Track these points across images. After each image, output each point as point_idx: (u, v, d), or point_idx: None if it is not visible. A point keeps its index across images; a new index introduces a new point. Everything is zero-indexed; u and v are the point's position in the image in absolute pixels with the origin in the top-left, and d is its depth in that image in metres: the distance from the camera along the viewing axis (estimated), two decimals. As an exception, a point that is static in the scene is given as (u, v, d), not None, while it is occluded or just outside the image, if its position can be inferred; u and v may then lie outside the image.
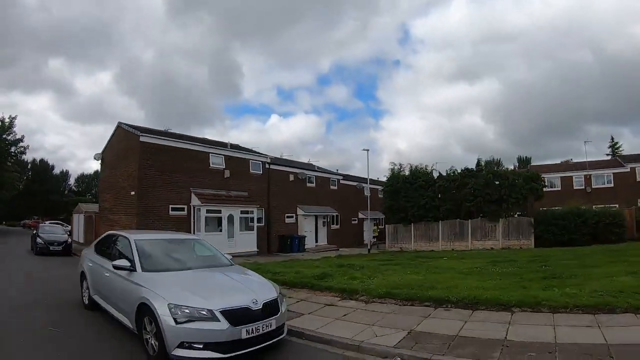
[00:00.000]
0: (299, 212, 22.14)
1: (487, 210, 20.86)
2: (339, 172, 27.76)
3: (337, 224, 26.17)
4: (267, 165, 20.53)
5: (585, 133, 62.07)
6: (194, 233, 16.21)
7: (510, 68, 76.59)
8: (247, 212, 17.81)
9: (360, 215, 29.01)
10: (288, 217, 21.74)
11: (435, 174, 23.03)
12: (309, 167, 24.73)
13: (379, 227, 32.05)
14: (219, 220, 16.57)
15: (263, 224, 20.02)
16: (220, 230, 16.50)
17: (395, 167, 24.07)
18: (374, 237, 27.26)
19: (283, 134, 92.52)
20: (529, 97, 66.59)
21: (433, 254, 18.02)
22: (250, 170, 19.67)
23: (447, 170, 22.59)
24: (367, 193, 29.08)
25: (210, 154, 17.86)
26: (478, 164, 21.91)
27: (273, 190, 20.80)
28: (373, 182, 29.80)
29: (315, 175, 24.29)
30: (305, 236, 21.49)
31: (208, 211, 16.03)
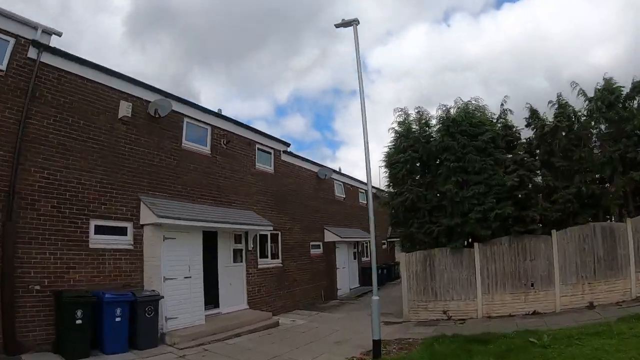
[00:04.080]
0: (147, 218, 8.67)
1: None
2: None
3: (272, 256, 12.98)
4: (21, 54, 7.17)
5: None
6: None
7: (468, 95, 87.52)
8: None
9: (330, 237, 16.02)
10: (103, 229, 8.23)
11: (512, 119, 11.41)
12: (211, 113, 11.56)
13: (362, 257, 19.41)
14: None
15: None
16: None
17: (412, 116, 11.99)
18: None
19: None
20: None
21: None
22: None
23: (557, 99, 10.97)
24: (344, 188, 16.69)
25: None
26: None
27: (35, 145, 7.30)
28: (347, 177, 17.38)
29: (213, 127, 11.28)
30: (161, 296, 8.15)
31: None
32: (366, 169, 8.37)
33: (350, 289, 17.30)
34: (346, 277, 17.06)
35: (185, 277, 9.04)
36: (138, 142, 9.17)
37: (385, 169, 11.86)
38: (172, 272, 8.76)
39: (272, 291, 12.38)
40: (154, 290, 8.15)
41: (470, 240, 10.38)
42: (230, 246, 11.06)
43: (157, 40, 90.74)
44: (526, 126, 11.72)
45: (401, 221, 11.06)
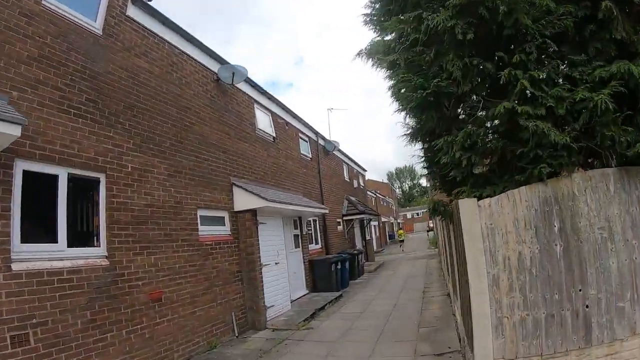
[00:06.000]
0: None
1: None
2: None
3: (76, 238, 5.19)
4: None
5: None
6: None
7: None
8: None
9: (246, 201, 8.58)
10: None
11: None
12: None
13: (308, 244, 12.39)
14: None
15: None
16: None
17: None
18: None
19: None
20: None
21: None
22: None
23: None
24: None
25: None
26: None
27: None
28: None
29: None
30: None
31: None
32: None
33: (293, 302, 10.05)
34: (283, 280, 9.72)
35: None
36: None
37: None
38: None
39: (73, 337, 4.75)
40: None
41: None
42: None
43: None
44: None
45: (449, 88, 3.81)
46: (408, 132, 5.60)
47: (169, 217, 6.57)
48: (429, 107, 3.75)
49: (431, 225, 59.56)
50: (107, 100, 5.92)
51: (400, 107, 4.22)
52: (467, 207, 3.42)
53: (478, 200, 3.44)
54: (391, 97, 5.31)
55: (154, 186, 6.38)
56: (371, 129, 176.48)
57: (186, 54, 8.05)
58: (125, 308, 5.57)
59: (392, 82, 4.89)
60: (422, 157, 5.81)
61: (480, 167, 3.78)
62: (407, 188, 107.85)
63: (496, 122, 3.54)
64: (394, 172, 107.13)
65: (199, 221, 7.27)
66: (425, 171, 5.90)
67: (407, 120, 5.82)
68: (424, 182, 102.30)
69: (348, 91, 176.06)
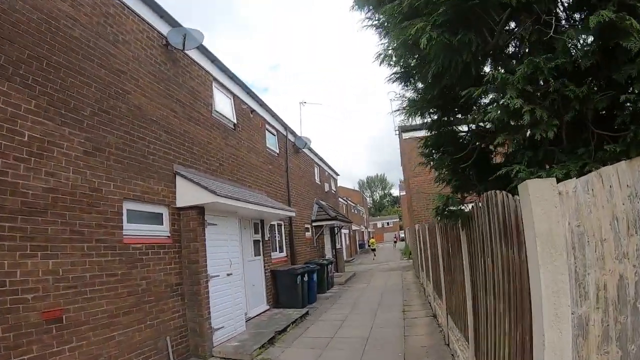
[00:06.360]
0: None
1: None
2: None
3: None
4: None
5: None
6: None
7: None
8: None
9: (193, 195, 7.07)
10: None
11: None
12: None
13: (271, 251, 10.93)
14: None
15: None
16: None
17: None
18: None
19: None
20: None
21: None
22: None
23: None
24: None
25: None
26: None
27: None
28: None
29: None
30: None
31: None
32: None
33: (250, 320, 8.55)
34: (236, 295, 8.19)
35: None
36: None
37: None
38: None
39: None
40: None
41: None
42: None
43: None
44: None
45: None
46: (405, 106, 4.32)
47: (81, 209, 4.98)
48: (467, 22, 2.39)
49: (402, 235, 58.93)
50: (7, 45, 4.39)
51: (411, 38, 2.81)
52: (539, 192, 1.99)
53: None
54: (382, 62, 4.08)
55: (61, 165, 4.80)
56: (343, 134, 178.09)
57: (128, 7, 6.53)
58: (6, 331, 3.98)
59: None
60: (422, 139, 4.53)
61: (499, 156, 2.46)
62: (378, 197, 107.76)
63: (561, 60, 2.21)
64: (365, 180, 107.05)
65: (124, 217, 5.68)
66: (424, 159, 4.62)
67: (404, 91, 4.58)
68: (395, 191, 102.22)
69: (324, 97, 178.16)
